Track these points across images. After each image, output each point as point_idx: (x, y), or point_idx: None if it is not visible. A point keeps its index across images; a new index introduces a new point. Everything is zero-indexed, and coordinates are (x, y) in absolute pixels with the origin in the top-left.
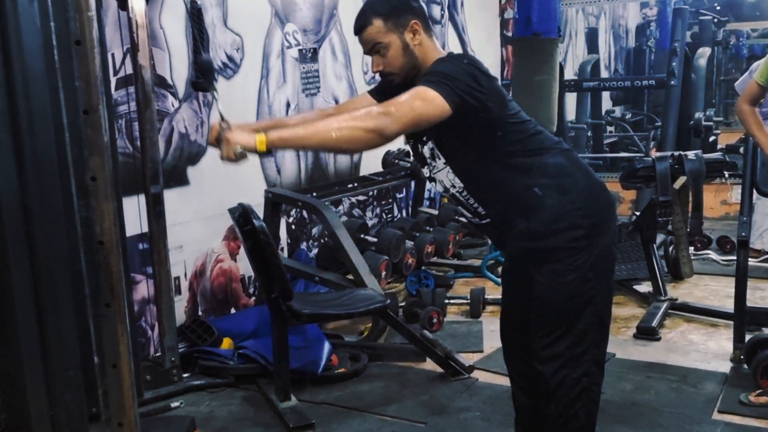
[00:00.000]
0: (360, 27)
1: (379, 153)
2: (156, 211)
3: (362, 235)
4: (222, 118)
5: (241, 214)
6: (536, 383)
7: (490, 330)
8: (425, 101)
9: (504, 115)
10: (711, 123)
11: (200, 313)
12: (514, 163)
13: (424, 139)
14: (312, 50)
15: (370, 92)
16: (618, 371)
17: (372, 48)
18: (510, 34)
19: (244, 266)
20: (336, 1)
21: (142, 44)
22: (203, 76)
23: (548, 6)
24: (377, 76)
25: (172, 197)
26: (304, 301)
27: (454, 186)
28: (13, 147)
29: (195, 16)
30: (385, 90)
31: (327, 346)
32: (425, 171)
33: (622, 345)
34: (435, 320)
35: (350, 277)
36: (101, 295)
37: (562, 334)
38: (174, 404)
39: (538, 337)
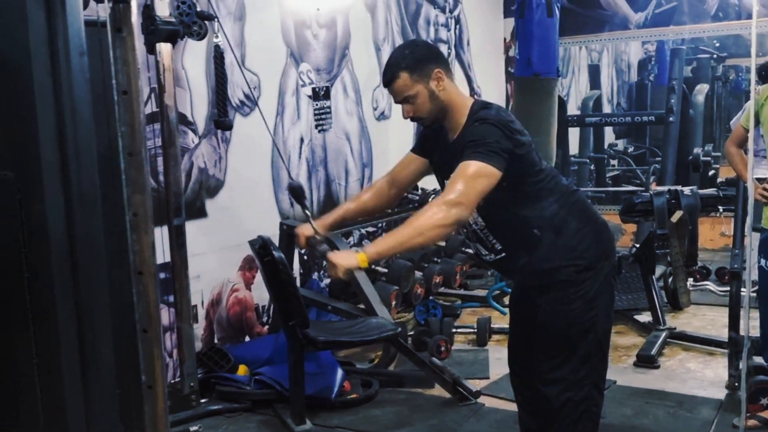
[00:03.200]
0: (388, 81)
1: None
2: (178, 242)
3: (373, 266)
4: (315, 232)
5: (261, 246)
6: (541, 405)
7: (496, 358)
8: (485, 177)
9: (529, 165)
10: (709, 158)
11: (216, 340)
12: (533, 205)
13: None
14: (325, 88)
15: (413, 151)
16: (618, 397)
17: (402, 99)
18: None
19: (258, 296)
20: (347, 42)
21: (168, 85)
22: (296, 200)
23: (548, 48)
24: (395, 115)
25: (190, 229)
26: (320, 328)
27: (476, 223)
28: (62, 185)
29: (218, 59)
30: (424, 146)
31: (340, 372)
32: None
33: (622, 372)
34: (443, 348)
35: (362, 306)
36: (139, 321)
37: (565, 359)
38: (193, 428)
39: (542, 362)
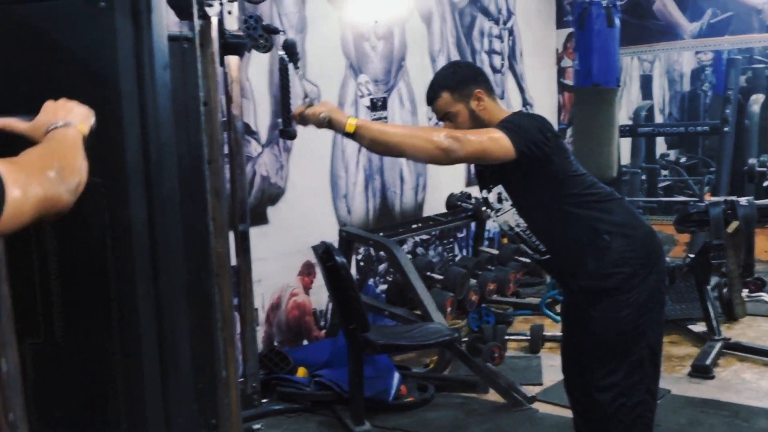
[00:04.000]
0: (430, 99)
1: (442, 195)
2: (243, 248)
3: (428, 273)
4: (306, 95)
5: (324, 251)
6: (595, 411)
7: (549, 365)
8: (493, 140)
9: (566, 169)
10: (764, 168)
11: (275, 343)
12: (572, 209)
13: (491, 187)
14: (382, 99)
15: None
16: (673, 407)
17: (443, 116)
18: (567, 82)
19: (316, 300)
20: (404, 54)
21: (235, 96)
22: (289, 56)
23: (608, 58)
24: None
25: (252, 235)
26: (379, 332)
27: (518, 225)
28: (145, 191)
29: (283, 70)
30: None
31: (396, 376)
32: (492, 214)
33: (677, 382)
34: (496, 354)
35: (418, 312)
36: (216, 320)
37: (617, 365)
38: (255, 426)
39: (594, 368)
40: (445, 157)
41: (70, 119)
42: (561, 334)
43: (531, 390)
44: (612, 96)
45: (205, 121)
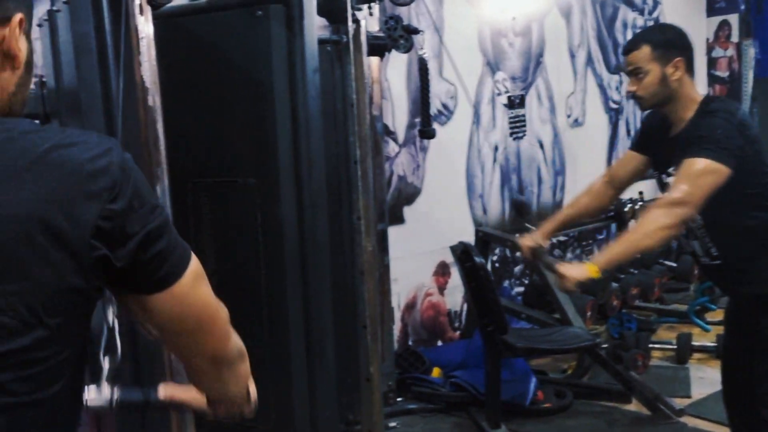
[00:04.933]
0: (628, 49)
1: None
2: (381, 246)
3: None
4: (539, 245)
5: (463, 252)
6: (759, 429)
7: (699, 377)
8: (712, 174)
9: (759, 170)
10: None
11: (410, 342)
12: (756, 213)
13: (669, 170)
14: (520, 96)
15: (632, 148)
16: None
17: (631, 71)
18: (719, 73)
19: (451, 301)
20: (542, 49)
21: (375, 97)
22: (519, 214)
23: None
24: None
25: (390, 234)
26: (518, 335)
27: (693, 221)
28: (295, 190)
29: (423, 70)
30: (644, 143)
31: (533, 380)
32: None
33: None
34: (640, 363)
35: (556, 315)
36: (360, 318)
37: None
38: (391, 424)
39: (764, 382)
40: (683, 225)
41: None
42: (716, 343)
43: (679, 402)
44: None
45: (354, 122)
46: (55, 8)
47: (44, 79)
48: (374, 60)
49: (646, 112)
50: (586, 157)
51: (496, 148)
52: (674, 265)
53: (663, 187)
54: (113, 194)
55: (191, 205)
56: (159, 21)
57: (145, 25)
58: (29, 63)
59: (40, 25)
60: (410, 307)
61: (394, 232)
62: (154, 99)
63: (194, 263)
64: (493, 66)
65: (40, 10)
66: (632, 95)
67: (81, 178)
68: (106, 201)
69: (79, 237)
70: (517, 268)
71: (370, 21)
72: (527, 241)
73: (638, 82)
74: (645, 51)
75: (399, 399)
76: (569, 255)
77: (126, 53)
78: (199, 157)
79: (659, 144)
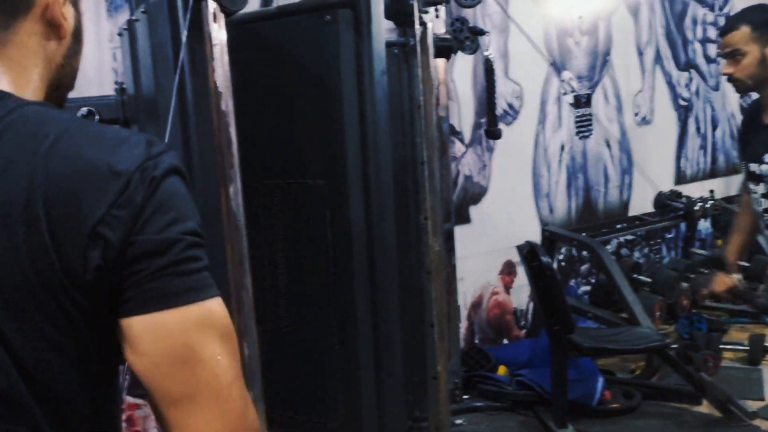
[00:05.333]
0: (726, 30)
1: (650, 193)
2: (448, 246)
3: (635, 275)
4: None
5: (529, 251)
6: None
7: None
8: None
9: None
10: None
11: (476, 341)
12: None
13: (766, 158)
14: (586, 96)
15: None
16: None
17: (729, 52)
18: None
19: (516, 300)
20: (609, 48)
21: (441, 98)
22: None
23: None
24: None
25: (456, 233)
26: (584, 335)
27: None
28: (363, 191)
29: (489, 71)
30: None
31: (600, 380)
32: (761, 188)
33: None
34: (710, 364)
35: (623, 315)
36: (426, 317)
37: None
38: (457, 422)
39: None
40: None
41: None
42: None
43: (751, 405)
44: None
45: (421, 123)
46: (134, 17)
47: (124, 86)
48: (440, 62)
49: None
50: (655, 156)
51: (562, 148)
52: (747, 264)
53: (751, 177)
54: (123, 198)
55: (263, 206)
56: (232, 28)
57: (219, 32)
58: (77, 33)
59: (120, 34)
60: (476, 305)
61: (460, 232)
62: (227, 103)
63: (205, 310)
64: (559, 65)
65: (120, 20)
66: (729, 77)
67: (94, 176)
68: (113, 205)
69: (77, 237)
70: (584, 267)
71: (436, 23)
72: (726, 280)
73: (735, 64)
74: (743, 32)
75: (465, 396)
76: (637, 254)
77: (200, 59)
78: (270, 159)
79: (752, 132)
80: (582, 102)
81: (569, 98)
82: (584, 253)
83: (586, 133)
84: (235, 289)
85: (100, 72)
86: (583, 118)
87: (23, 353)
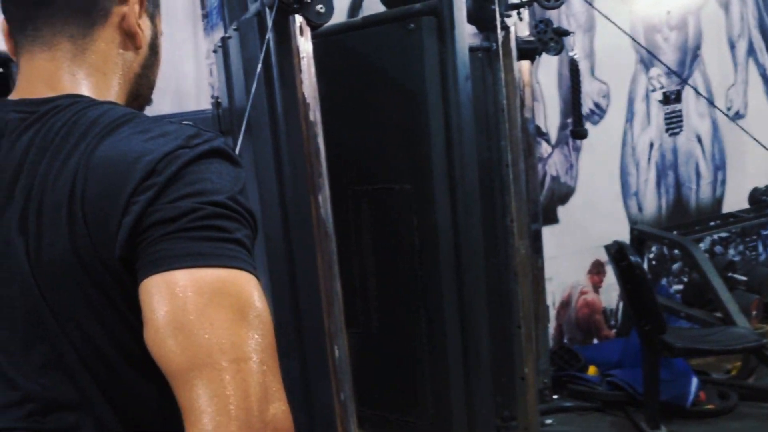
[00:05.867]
0: None
1: (745, 190)
2: (535, 247)
3: (730, 274)
4: None
5: (618, 251)
6: None
7: None
8: None
9: None
10: None
11: (565, 340)
12: None
13: None
14: (676, 92)
15: None
16: None
17: None
18: None
19: (606, 299)
20: (699, 42)
21: (527, 100)
22: None
23: None
24: None
25: (544, 234)
26: (677, 335)
27: None
28: (449, 195)
29: (574, 71)
30: None
31: (695, 381)
32: None
33: None
34: None
35: (718, 314)
36: (514, 318)
37: None
38: (547, 422)
39: None
40: None
41: None
42: None
43: None
44: None
45: (505, 126)
46: (227, 35)
47: (219, 100)
48: (525, 64)
49: None
50: (749, 150)
51: (651, 145)
52: None
53: None
54: (145, 185)
55: (352, 211)
56: (318, 40)
57: (305, 45)
58: (154, 45)
59: (215, 51)
60: (565, 305)
61: (548, 232)
62: (315, 114)
63: (220, 278)
64: (646, 62)
65: (215, 37)
66: None
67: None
68: (138, 186)
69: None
70: (675, 266)
71: (520, 26)
72: None
73: None
74: None
75: (555, 396)
76: (731, 251)
77: (288, 72)
78: (358, 165)
79: None
80: (671, 98)
81: (658, 95)
82: (675, 251)
83: (676, 130)
84: (325, 293)
85: (198, 87)
86: (673, 115)
87: (79, 346)
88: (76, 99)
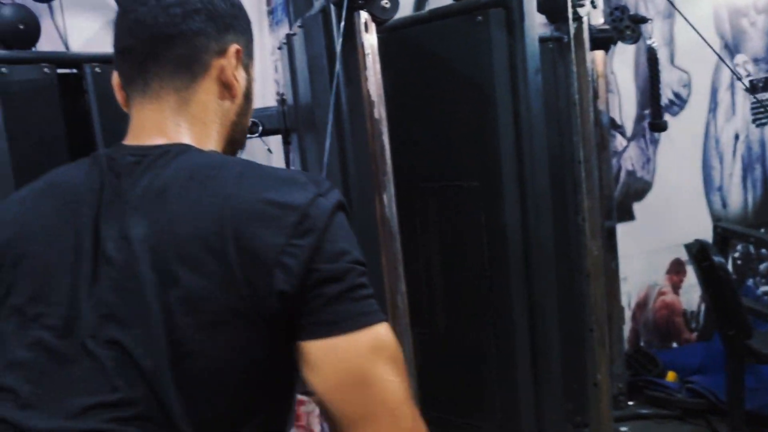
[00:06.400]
0: None
1: None
2: (610, 245)
3: None
4: None
5: (699, 250)
6: None
7: None
8: None
9: None
10: None
11: (641, 343)
12: None
13: None
14: (764, 80)
15: None
16: None
17: None
18: None
19: (686, 301)
20: None
21: (601, 92)
22: None
23: None
24: None
25: (618, 231)
26: (764, 340)
27: None
28: (518, 192)
29: (652, 60)
30: None
31: None
32: None
33: None
34: None
35: None
36: (586, 321)
37: None
38: (622, 429)
39: None
40: None
41: None
42: None
43: None
44: None
45: (577, 121)
46: (291, 32)
47: (284, 97)
48: (599, 54)
49: None
50: None
51: (736, 137)
52: None
53: None
54: (301, 229)
55: (419, 209)
56: (383, 34)
57: (371, 41)
58: (248, 93)
59: (280, 48)
60: (641, 306)
61: (623, 230)
62: (380, 111)
63: (376, 334)
64: (732, 48)
65: (281, 34)
66: None
67: (266, 213)
68: (293, 236)
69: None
70: (763, 266)
71: (594, 14)
72: None
73: None
74: None
75: (630, 403)
76: None
77: (353, 69)
78: (425, 162)
79: None
80: (759, 87)
81: (744, 83)
82: (763, 250)
83: (764, 121)
84: (391, 293)
85: (263, 84)
86: (761, 105)
87: (204, 374)
88: (183, 148)
